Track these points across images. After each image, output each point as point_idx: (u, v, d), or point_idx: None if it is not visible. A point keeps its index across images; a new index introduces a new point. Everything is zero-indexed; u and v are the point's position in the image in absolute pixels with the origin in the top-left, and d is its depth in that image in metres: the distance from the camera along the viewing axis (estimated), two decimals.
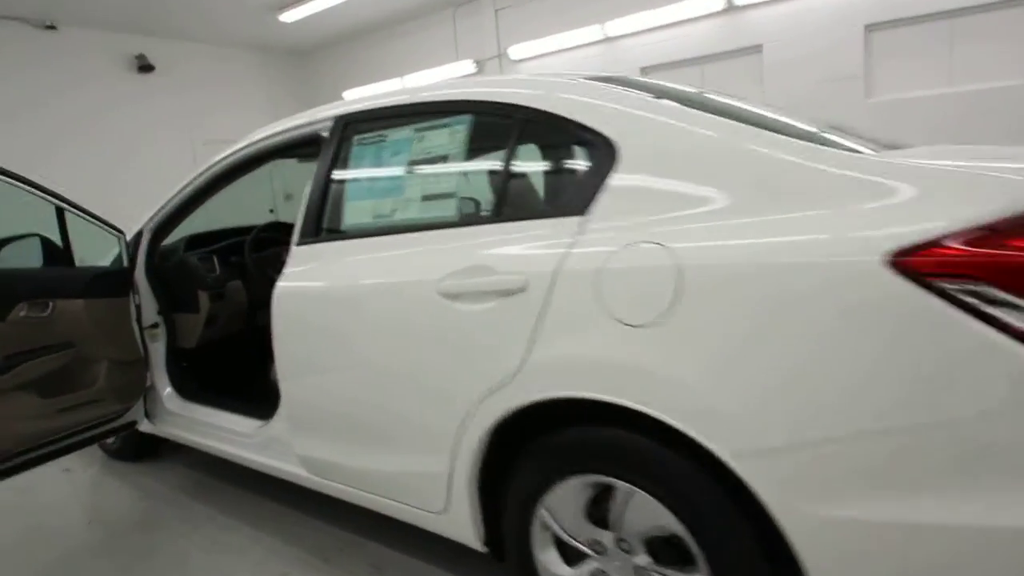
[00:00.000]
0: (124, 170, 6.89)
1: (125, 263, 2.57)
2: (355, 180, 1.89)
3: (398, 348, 1.62)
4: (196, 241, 2.83)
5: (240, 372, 3.02)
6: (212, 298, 2.65)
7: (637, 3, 6.07)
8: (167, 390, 2.65)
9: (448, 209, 1.64)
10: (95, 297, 2.38)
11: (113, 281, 2.47)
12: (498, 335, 1.43)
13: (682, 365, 1.19)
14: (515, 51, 6.94)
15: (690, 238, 1.22)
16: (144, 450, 3.03)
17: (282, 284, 1.91)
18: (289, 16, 6.91)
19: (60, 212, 2.32)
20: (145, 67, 7.06)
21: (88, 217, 2.39)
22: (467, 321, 1.48)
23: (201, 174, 2.42)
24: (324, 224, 1.90)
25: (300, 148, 2.20)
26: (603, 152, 1.39)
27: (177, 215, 2.58)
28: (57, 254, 2.40)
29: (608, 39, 6.38)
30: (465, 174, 1.65)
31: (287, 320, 1.90)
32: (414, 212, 1.70)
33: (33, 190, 2.14)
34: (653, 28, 6.08)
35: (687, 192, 1.28)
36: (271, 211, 6.98)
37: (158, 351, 2.67)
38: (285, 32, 7.52)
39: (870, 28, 5.17)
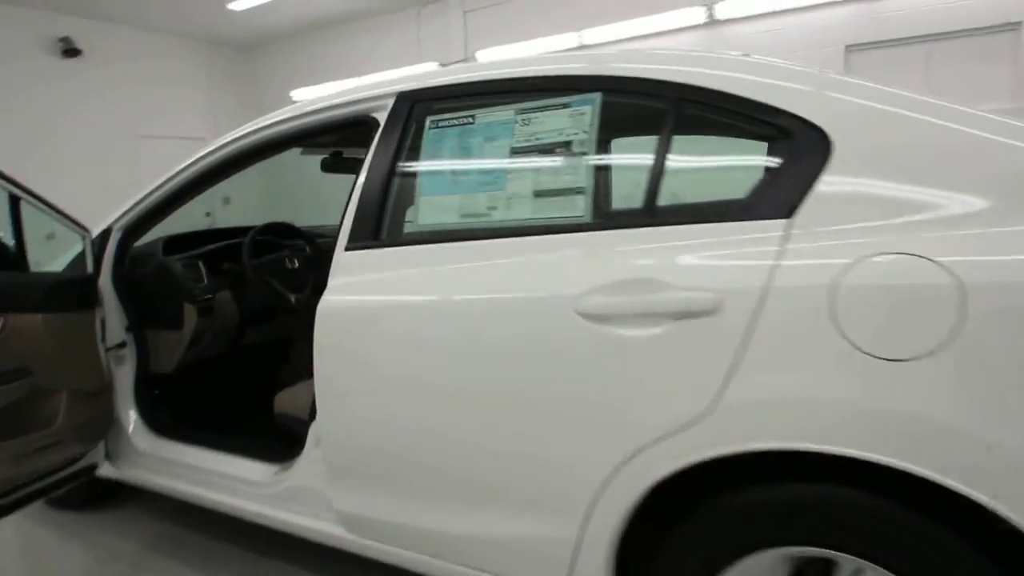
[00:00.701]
0: (36, 161, 6.08)
1: (90, 268, 2.08)
2: (432, 171, 1.52)
3: (512, 381, 1.27)
4: (175, 244, 2.35)
5: (230, 402, 2.55)
6: (200, 312, 2.18)
7: (616, 13, 5.92)
8: (134, 425, 2.16)
9: (574, 208, 1.31)
10: (56, 311, 1.89)
11: (77, 291, 1.98)
12: (673, 369, 1.11)
13: (962, 409, 0.92)
14: (484, 56, 6.65)
15: (962, 250, 0.95)
16: (95, 496, 2.49)
17: (331, 299, 1.52)
18: (239, 4, 6.35)
19: (15, 202, 1.83)
20: (71, 51, 6.30)
21: (49, 209, 1.90)
22: (622, 350, 1.15)
23: (192, 164, 1.97)
24: (386, 225, 1.53)
25: (335, 133, 1.81)
26: (810, 144, 1.11)
27: (157, 212, 2.11)
28: (6, 256, 1.90)
29: (584, 48, 6.20)
30: (598, 165, 1.32)
31: (337, 343, 1.51)
32: (523, 211, 1.36)
33: None
34: (632, 38, 5.94)
35: (926, 195, 1.02)
36: (207, 215, 6.35)
37: (124, 376, 2.17)
38: (233, 23, 6.93)
39: (850, 49, 5.20)
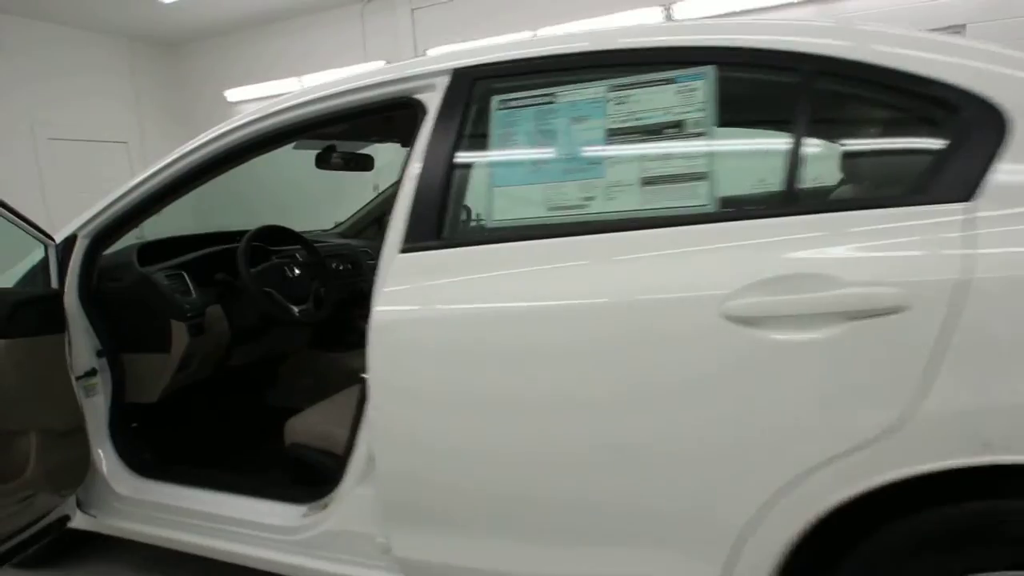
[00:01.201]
0: None
1: (55, 283, 1.76)
2: (506, 159, 1.32)
3: (640, 399, 1.09)
4: (149, 252, 2.03)
5: (222, 432, 2.24)
6: (190, 330, 1.88)
7: (573, 11, 5.83)
8: (110, 465, 1.84)
9: (695, 195, 1.14)
10: (20, 335, 1.57)
11: (43, 310, 1.66)
12: (851, 378, 0.97)
13: None
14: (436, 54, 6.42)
15: None
16: (56, 550, 2.13)
17: (390, 310, 1.29)
18: None
19: None
20: None
21: (10, 215, 1.57)
22: (783, 358, 1.00)
23: (179, 160, 1.68)
24: (451, 222, 1.32)
25: (364, 118, 1.58)
26: (984, 122, 0.99)
27: (133, 216, 1.80)
28: None
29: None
30: (719, 147, 1.16)
31: (403, 363, 1.28)
32: (630, 201, 1.19)
33: None
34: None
35: None
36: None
37: (96, 409, 1.85)
38: (161, 17, 6.40)
39: None
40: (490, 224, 1.30)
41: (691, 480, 1.08)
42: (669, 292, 1.07)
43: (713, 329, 1.02)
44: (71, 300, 1.79)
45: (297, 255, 2.32)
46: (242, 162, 1.69)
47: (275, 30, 7.11)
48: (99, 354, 1.86)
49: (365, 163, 2.38)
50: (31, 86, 6.08)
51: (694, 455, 1.07)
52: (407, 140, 1.55)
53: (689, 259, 1.08)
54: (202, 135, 1.66)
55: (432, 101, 1.39)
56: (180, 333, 1.86)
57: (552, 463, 1.17)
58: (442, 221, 1.31)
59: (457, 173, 1.33)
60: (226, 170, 1.70)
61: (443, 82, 1.38)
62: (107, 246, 1.88)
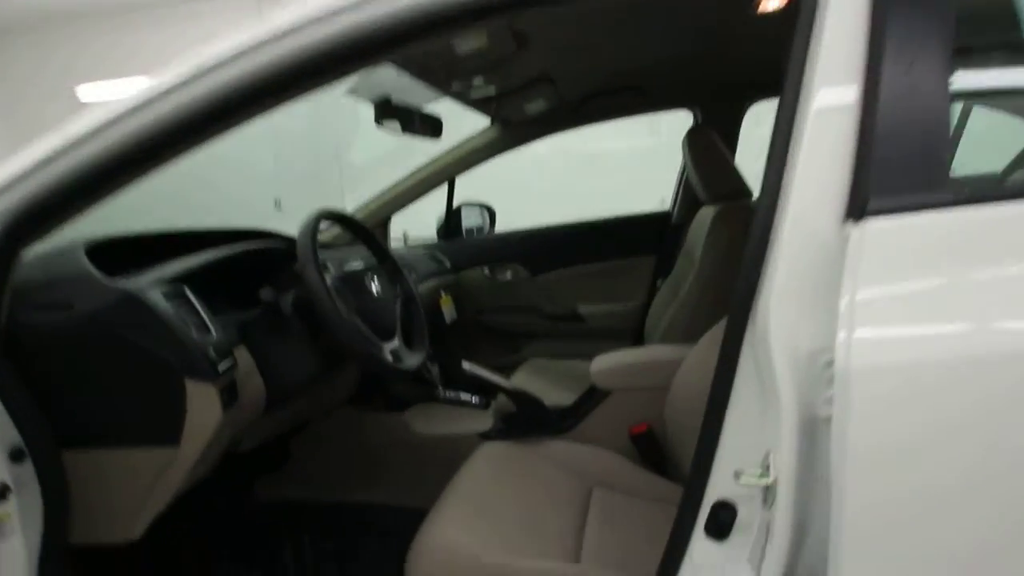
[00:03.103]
0: None
1: None
2: None
3: None
4: (101, 256, 1.09)
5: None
6: (223, 397, 0.98)
7: None
8: None
9: None
10: None
11: None
12: None
13: None
14: None
15: None
16: None
17: (874, 337, 0.59)
18: None
19: None
20: None
21: None
22: None
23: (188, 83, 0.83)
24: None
25: None
26: None
27: (87, 191, 0.89)
28: None
29: None
30: None
31: (911, 428, 0.59)
32: None
33: None
34: None
35: None
36: None
37: (8, 560, 0.91)
38: None
39: None
40: None
41: None
42: None
43: None
44: None
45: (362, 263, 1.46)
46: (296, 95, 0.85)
47: (118, 23, 5.84)
48: (14, 456, 0.91)
49: (434, 128, 1.60)
50: None
51: None
52: None
53: None
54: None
55: None
56: (205, 403, 0.96)
57: None
58: (937, 161, 0.65)
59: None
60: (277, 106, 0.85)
61: None
62: (25, 244, 0.94)
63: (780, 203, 0.71)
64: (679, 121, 2.23)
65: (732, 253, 1.69)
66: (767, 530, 0.72)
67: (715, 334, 1.33)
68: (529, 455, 1.40)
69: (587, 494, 1.32)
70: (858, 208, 0.66)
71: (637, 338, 2.19)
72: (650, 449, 1.48)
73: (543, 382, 1.84)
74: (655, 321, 2.03)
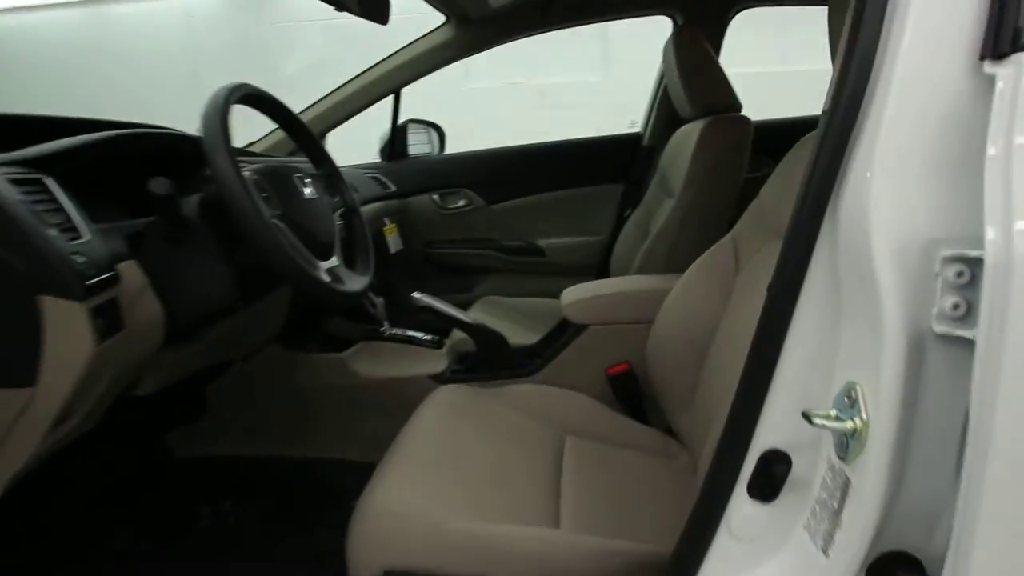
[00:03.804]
0: None
1: None
2: None
3: None
4: None
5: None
6: (97, 324, 0.73)
7: None
8: None
9: None
10: None
11: None
12: None
13: None
14: None
15: None
16: None
17: None
18: None
19: None
20: None
21: None
22: None
23: None
24: None
25: None
26: None
27: None
28: None
29: None
30: None
31: None
32: None
33: None
34: None
35: None
36: None
37: None
38: None
39: None
40: None
41: None
42: None
43: None
44: None
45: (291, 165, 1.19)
46: None
47: None
48: None
49: (379, 8, 1.32)
50: None
51: None
52: None
53: None
54: None
55: None
56: (70, 328, 0.70)
57: None
58: None
59: None
60: None
61: None
62: None
63: (878, 54, 0.51)
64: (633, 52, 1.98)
65: (723, 172, 1.51)
66: (840, 489, 0.54)
67: (705, 262, 1.17)
68: (491, 400, 1.21)
69: (560, 443, 1.14)
70: (1008, 39, 0.47)
71: (602, 274, 2.01)
72: (629, 392, 1.32)
73: (499, 322, 1.64)
74: (623, 256, 1.86)
